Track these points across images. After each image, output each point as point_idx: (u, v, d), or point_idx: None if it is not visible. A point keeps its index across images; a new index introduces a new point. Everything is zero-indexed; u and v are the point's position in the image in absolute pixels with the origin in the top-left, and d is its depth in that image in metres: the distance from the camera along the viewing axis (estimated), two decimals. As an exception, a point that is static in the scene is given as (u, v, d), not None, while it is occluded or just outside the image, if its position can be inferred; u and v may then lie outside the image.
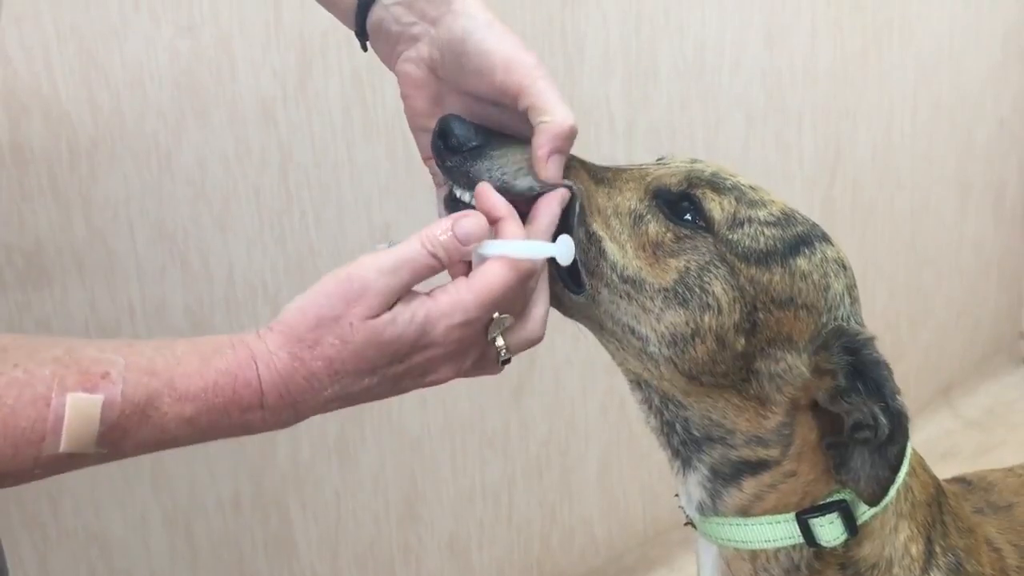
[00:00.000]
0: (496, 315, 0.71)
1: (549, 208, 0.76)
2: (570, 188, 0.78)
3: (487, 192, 0.75)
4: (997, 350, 2.68)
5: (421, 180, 1.56)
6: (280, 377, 0.67)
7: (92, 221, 1.30)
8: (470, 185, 0.77)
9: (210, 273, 1.39)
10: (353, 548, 1.63)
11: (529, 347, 0.75)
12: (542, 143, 0.75)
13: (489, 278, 0.70)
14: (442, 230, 0.70)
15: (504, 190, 0.76)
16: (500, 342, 0.72)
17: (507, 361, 0.74)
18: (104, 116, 1.28)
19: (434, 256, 0.69)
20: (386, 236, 1.53)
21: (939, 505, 0.85)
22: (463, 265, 0.73)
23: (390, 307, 0.68)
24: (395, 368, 0.70)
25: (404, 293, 0.69)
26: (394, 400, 1.59)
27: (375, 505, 1.64)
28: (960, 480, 1.03)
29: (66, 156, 1.27)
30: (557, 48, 1.64)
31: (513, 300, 0.71)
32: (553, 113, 0.75)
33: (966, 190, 2.44)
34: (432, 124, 0.82)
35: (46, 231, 1.27)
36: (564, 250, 0.74)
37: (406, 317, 0.68)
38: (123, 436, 0.63)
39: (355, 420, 1.57)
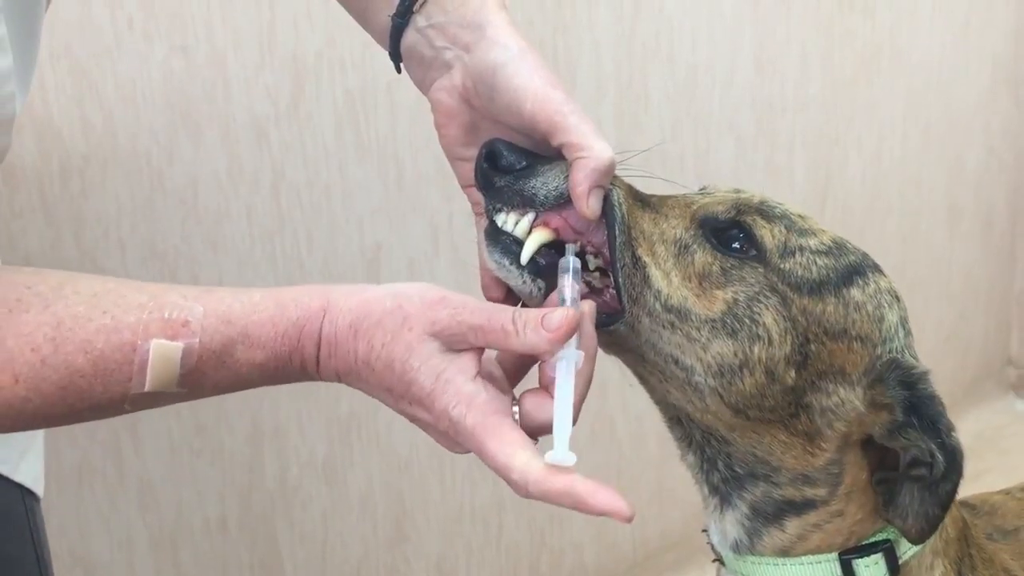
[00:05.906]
0: None
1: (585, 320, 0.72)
2: (607, 197, 0.76)
3: (589, 318, 0.72)
4: (986, 376, 2.68)
5: (412, 202, 1.57)
6: (334, 337, 0.70)
7: (82, 239, 1.30)
8: (523, 203, 0.76)
9: (200, 292, 1.39)
10: (340, 570, 1.62)
11: None
12: (580, 180, 0.73)
13: (503, 433, 0.70)
14: (540, 311, 0.69)
15: (563, 200, 0.75)
16: None
17: None
18: (96, 134, 1.28)
19: (513, 322, 0.68)
20: (377, 257, 1.53)
21: (966, 538, 0.84)
22: (522, 359, 0.72)
23: (446, 350, 0.68)
24: (404, 406, 0.70)
25: (471, 336, 0.68)
26: (382, 421, 1.59)
27: (363, 527, 1.63)
28: (963, 504, 1.03)
29: (57, 174, 1.27)
30: (549, 71, 1.65)
31: None
32: (590, 148, 0.74)
33: (955, 216, 2.45)
34: (468, 153, 0.82)
35: (36, 249, 1.27)
36: (563, 458, 0.72)
37: (437, 371, 0.68)
38: (201, 378, 0.69)
39: (343, 441, 1.57)
